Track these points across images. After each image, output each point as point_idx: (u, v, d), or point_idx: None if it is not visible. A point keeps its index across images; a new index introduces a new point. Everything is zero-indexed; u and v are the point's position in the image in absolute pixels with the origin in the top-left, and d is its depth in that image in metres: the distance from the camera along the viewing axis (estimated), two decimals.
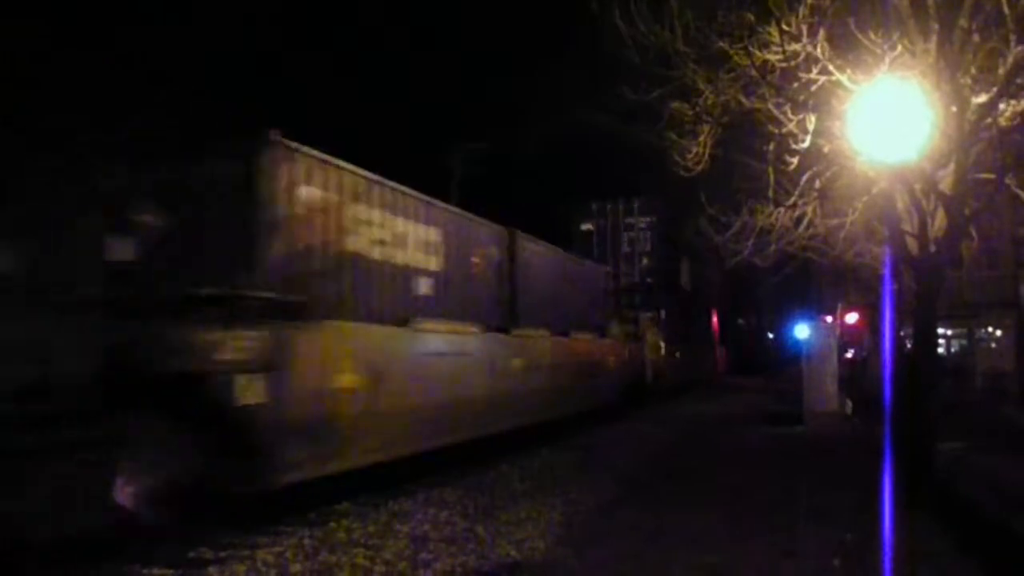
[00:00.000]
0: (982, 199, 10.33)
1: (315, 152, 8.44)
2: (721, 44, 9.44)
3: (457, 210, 12.52)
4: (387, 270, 9.78)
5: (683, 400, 27.29)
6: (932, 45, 8.42)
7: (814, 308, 33.14)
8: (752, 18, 9.21)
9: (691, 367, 32.65)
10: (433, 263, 10.95)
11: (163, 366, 6.73)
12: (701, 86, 9.94)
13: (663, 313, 25.45)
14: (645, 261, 30.30)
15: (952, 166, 9.47)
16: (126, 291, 7.32)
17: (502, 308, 13.35)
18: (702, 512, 8.89)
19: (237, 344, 7.03)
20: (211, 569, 6.61)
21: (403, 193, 10.33)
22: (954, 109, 8.76)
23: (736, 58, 9.46)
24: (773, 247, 12.69)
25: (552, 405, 15.12)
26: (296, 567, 6.72)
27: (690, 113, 10.56)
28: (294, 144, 8.07)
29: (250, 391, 7.03)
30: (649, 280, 28.27)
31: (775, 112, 9.55)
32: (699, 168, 10.83)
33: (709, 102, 10.20)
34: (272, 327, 7.36)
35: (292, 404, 7.58)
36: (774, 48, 9.08)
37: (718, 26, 9.47)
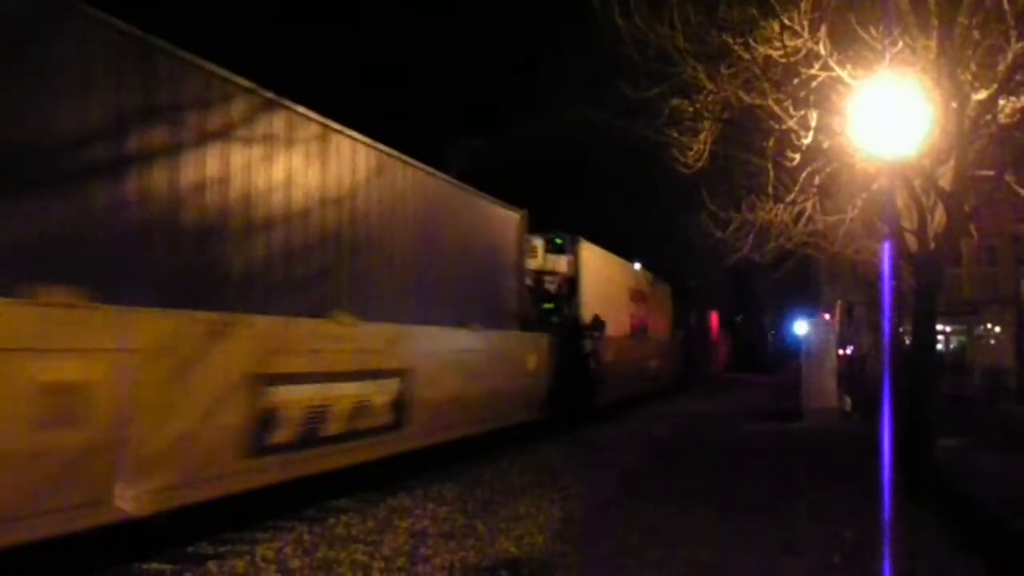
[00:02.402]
0: (982, 196, 10.33)
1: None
2: (721, 39, 9.43)
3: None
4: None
5: (682, 397, 27.31)
6: (932, 41, 8.41)
7: (813, 305, 33.16)
8: (753, 13, 9.19)
9: (691, 364, 32.65)
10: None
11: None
12: (701, 82, 9.92)
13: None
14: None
15: (952, 162, 9.47)
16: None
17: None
18: (701, 508, 8.90)
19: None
20: (210, 564, 6.61)
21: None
22: (954, 105, 8.75)
23: (737, 53, 9.45)
24: (772, 243, 12.70)
25: None
26: (295, 563, 6.72)
27: (690, 110, 10.55)
28: None
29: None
30: None
31: (775, 108, 9.54)
32: (699, 165, 10.81)
33: (709, 98, 10.18)
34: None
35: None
36: (775, 44, 9.06)
37: (718, 21, 9.45)
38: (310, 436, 7.86)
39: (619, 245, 21.54)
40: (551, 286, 16.48)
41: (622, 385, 19.98)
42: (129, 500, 5.81)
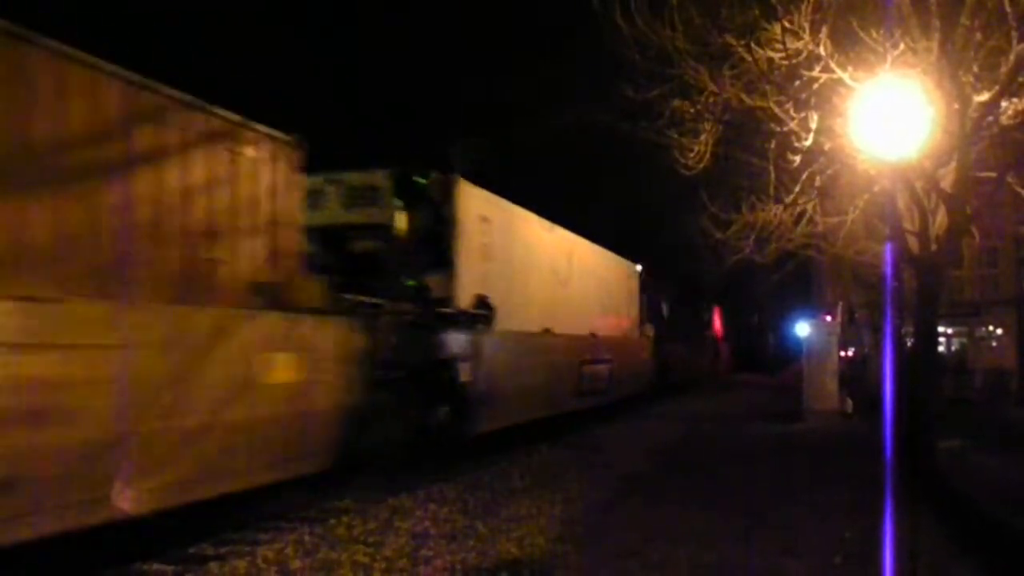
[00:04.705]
0: (983, 197, 10.34)
1: None
2: (723, 41, 9.43)
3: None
4: None
5: (684, 397, 27.29)
6: (934, 43, 8.42)
7: (815, 306, 33.13)
8: (755, 15, 9.19)
9: (693, 364, 32.63)
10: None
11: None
12: (703, 84, 9.93)
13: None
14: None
15: (953, 164, 9.48)
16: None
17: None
18: (703, 509, 8.91)
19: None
20: (211, 565, 6.62)
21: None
22: (956, 107, 8.76)
23: (738, 55, 9.45)
24: (773, 245, 12.70)
25: None
26: (296, 563, 6.73)
27: (691, 111, 10.55)
28: None
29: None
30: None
31: (777, 110, 9.54)
32: (700, 166, 10.81)
33: (710, 100, 10.19)
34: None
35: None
36: (776, 45, 9.06)
37: (720, 23, 9.45)
38: None
39: (620, 245, 21.58)
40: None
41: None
42: None
